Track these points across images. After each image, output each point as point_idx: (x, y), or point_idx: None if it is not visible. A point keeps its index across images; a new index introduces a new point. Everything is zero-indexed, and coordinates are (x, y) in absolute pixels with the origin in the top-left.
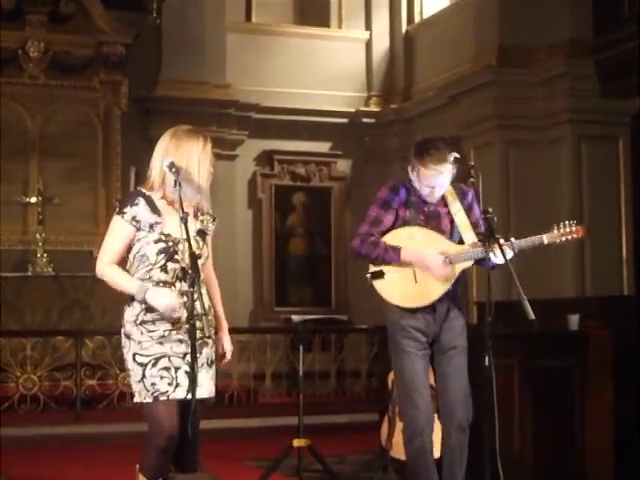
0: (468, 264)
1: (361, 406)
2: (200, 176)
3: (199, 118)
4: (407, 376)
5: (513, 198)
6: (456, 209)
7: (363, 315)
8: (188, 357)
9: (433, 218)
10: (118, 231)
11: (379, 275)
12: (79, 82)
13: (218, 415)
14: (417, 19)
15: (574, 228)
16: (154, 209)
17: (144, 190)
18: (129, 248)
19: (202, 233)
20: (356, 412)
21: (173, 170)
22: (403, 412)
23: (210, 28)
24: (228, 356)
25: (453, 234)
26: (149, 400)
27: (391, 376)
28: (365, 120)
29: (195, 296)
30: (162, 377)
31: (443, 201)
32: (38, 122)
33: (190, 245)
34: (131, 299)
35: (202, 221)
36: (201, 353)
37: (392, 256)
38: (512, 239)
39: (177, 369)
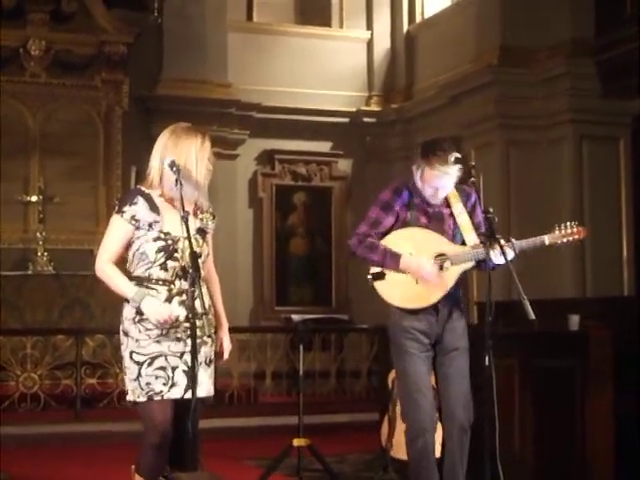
0: (469, 265)
1: (361, 406)
2: (198, 173)
3: (200, 117)
4: (410, 378)
5: (514, 198)
6: (459, 211)
7: (363, 315)
8: (186, 356)
9: (436, 220)
10: (117, 230)
11: (380, 276)
12: (80, 81)
13: (218, 414)
14: (418, 19)
15: (575, 229)
16: (153, 207)
17: (143, 188)
18: (128, 246)
19: (202, 231)
20: (356, 412)
21: (174, 169)
22: (406, 413)
23: (211, 27)
24: (226, 355)
25: (456, 236)
26: (143, 399)
27: (391, 376)
28: (366, 120)
29: (195, 294)
30: (157, 377)
31: (446, 203)
32: (39, 121)
33: (191, 244)
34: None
35: (202, 219)
36: (200, 352)
37: (391, 264)
38: (513, 240)
39: (174, 368)
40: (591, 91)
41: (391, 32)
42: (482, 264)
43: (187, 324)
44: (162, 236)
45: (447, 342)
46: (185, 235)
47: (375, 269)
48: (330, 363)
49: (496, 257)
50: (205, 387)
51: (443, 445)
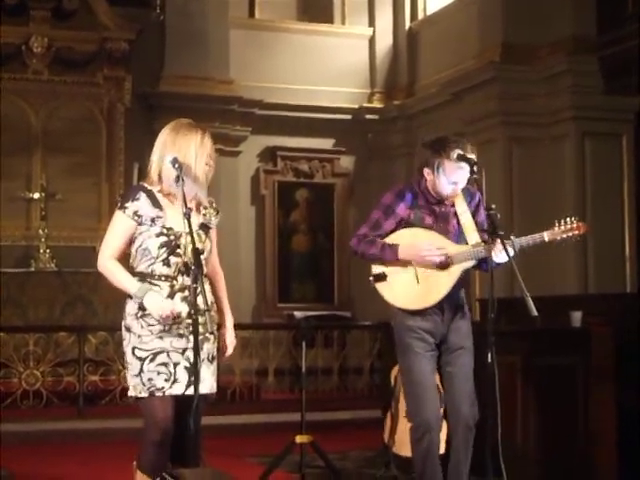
0: (469, 264)
1: (364, 402)
2: (197, 170)
3: (202, 114)
4: (415, 377)
5: (516, 195)
6: (462, 210)
7: (366, 311)
8: (188, 352)
9: (442, 219)
10: (120, 226)
11: (381, 277)
12: (82, 78)
13: (220, 411)
14: (420, 15)
15: (575, 225)
16: (155, 203)
17: (145, 184)
18: (131, 242)
19: (205, 227)
20: (359, 408)
21: (176, 166)
22: (411, 412)
23: (213, 24)
24: (230, 350)
25: (460, 235)
26: (144, 395)
27: (394, 372)
28: (368, 116)
29: (198, 291)
30: (159, 373)
31: (451, 202)
32: (41, 118)
33: (193, 240)
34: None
35: (205, 215)
36: (202, 349)
37: (389, 254)
38: (512, 237)
39: (176, 365)
40: (593, 88)
41: (393, 29)
42: (483, 264)
43: (189, 320)
44: (165, 232)
45: (452, 341)
46: (187, 231)
47: (376, 270)
48: (332, 360)
49: (497, 256)
50: (207, 384)
51: (447, 442)
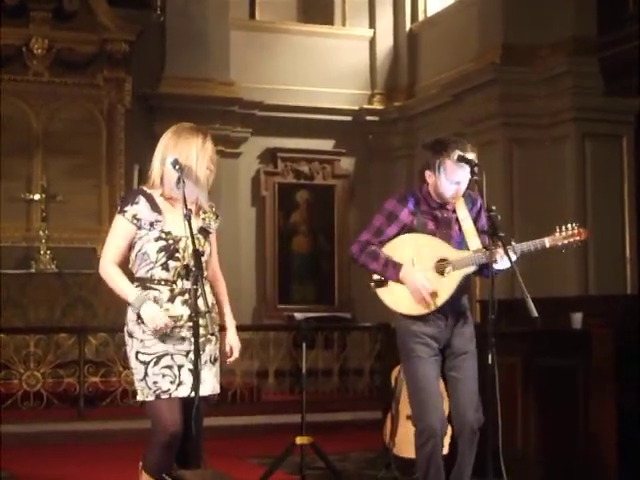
0: (470, 269)
1: (364, 404)
2: (198, 173)
3: (203, 115)
4: (420, 382)
5: (517, 196)
6: (464, 216)
7: (366, 313)
8: (191, 354)
9: (444, 225)
10: (119, 230)
11: (382, 283)
12: (83, 79)
13: (221, 412)
14: (421, 17)
15: (576, 230)
16: (154, 207)
17: (145, 188)
18: (131, 247)
19: (204, 231)
20: (359, 410)
21: (177, 167)
22: (416, 417)
23: (214, 25)
24: (236, 353)
25: (462, 241)
26: (151, 398)
27: (394, 373)
28: (369, 118)
29: (198, 293)
30: (164, 375)
31: (453, 208)
32: (42, 119)
33: (193, 242)
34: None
35: (204, 219)
36: (204, 350)
37: (391, 273)
38: (513, 243)
39: (180, 367)
40: (593, 89)
41: (394, 30)
42: (485, 270)
43: (191, 323)
44: (163, 236)
45: (456, 346)
46: (187, 234)
47: (377, 276)
48: (333, 361)
49: (498, 262)
50: (210, 385)
51: (451, 444)
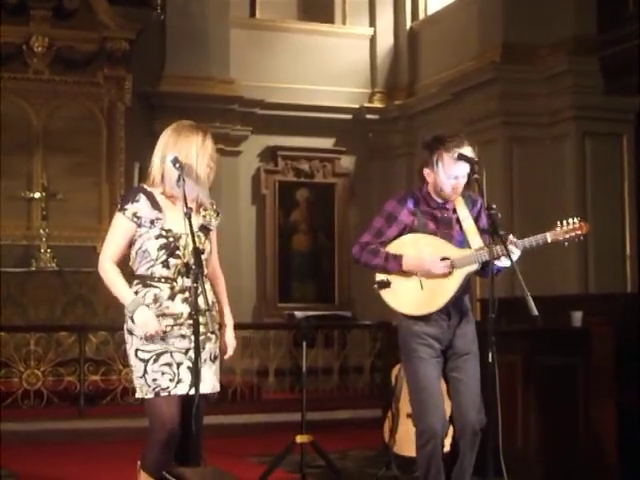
0: (473, 268)
1: (364, 402)
2: (198, 170)
3: (203, 114)
4: (421, 383)
5: (517, 195)
6: (464, 215)
7: (366, 311)
8: (191, 352)
9: (444, 225)
10: (119, 227)
11: (385, 284)
12: (83, 77)
13: (221, 411)
14: (421, 16)
15: (577, 225)
16: (155, 205)
17: (145, 186)
18: (131, 244)
19: (205, 229)
20: (359, 408)
21: (177, 166)
22: (417, 418)
23: (214, 24)
24: (230, 351)
25: (463, 241)
26: (150, 396)
27: (394, 372)
28: (369, 116)
29: (198, 291)
30: (163, 373)
31: (454, 208)
32: (42, 117)
33: (194, 240)
34: (134, 294)
35: (205, 216)
36: (204, 348)
37: (393, 265)
38: (514, 239)
39: (179, 365)
40: (594, 88)
41: (394, 29)
42: (486, 269)
43: (191, 321)
44: (164, 233)
45: (458, 347)
46: (187, 232)
47: (380, 277)
48: (333, 360)
49: (500, 260)
50: (210, 383)
51: (452, 444)
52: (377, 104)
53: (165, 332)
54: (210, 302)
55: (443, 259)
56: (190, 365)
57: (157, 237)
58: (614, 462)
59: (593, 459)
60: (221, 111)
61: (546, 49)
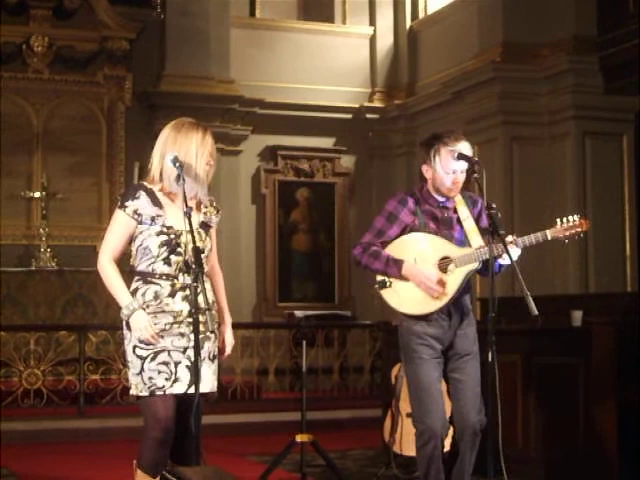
0: (473, 266)
1: (364, 402)
2: (198, 168)
3: (203, 113)
4: (422, 384)
5: (517, 194)
6: (465, 215)
7: (366, 311)
8: (189, 351)
9: (445, 225)
10: (120, 224)
11: (386, 284)
12: (83, 77)
13: (221, 410)
14: (421, 15)
15: (577, 222)
16: (156, 202)
17: (146, 183)
18: (131, 241)
19: (205, 226)
20: (359, 408)
21: (177, 165)
22: (417, 418)
23: (214, 23)
24: (228, 350)
25: (464, 241)
26: (145, 394)
27: (394, 371)
28: (369, 116)
29: (198, 290)
30: (160, 372)
31: (454, 208)
32: (42, 117)
33: (194, 238)
34: (133, 291)
35: (206, 213)
36: (203, 347)
37: (393, 270)
38: (515, 237)
39: (177, 364)
40: (594, 87)
41: (394, 28)
42: (486, 269)
43: (190, 319)
44: (165, 230)
45: (459, 347)
46: (188, 229)
47: (381, 277)
48: (333, 359)
49: (502, 258)
50: (208, 383)
51: (452, 444)
52: (377, 103)
53: (163, 332)
54: (210, 301)
55: (443, 259)
56: (188, 364)
57: (158, 234)
58: (614, 462)
59: (593, 459)
60: (221, 110)
61: (546, 48)
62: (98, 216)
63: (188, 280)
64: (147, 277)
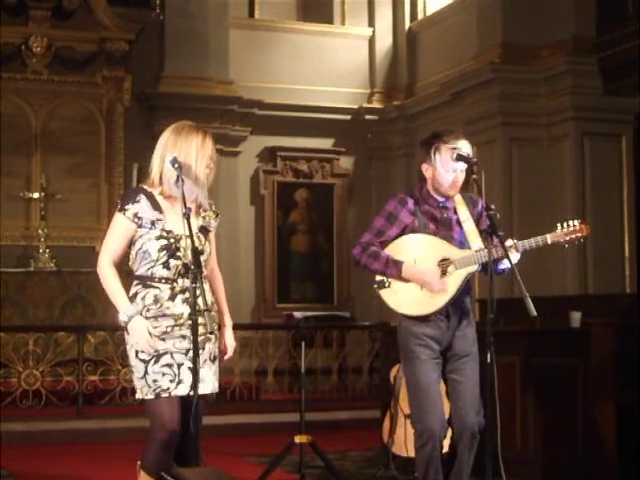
0: (473, 269)
1: (363, 403)
2: (198, 171)
3: (202, 114)
4: (421, 384)
5: (516, 195)
6: (465, 216)
7: (365, 312)
8: (191, 353)
9: (444, 226)
10: (119, 228)
11: (385, 285)
12: (82, 78)
13: (220, 411)
14: (420, 16)
15: (578, 227)
16: (155, 206)
17: (145, 187)
18: (130, 244)
19: (204, 229)
20: (358, 409)
21: (176, 166)
22: (416, 419)
23: (213, 24)
24: (230, 352)
25: (464, 242)
26: (151, 396)
27: (393, 372)
28: (368, 117)
29: (198, 292)
30: (164, 374)
31: (454, 209)
32: (41, 118)
33: (192, 240)
34: (133, 295)
35: (205, 217)
36: (204, 349)
37: (393, 271)
38: (515, 241)
39: (180, 365)
40: (593, 89)
41: (393, 29)
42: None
43: (190, 321)
44: (165, 234)
45: (458, 348)
46: (187, 233)
47: (380, 277)
48: (332, 360)
49: (502, 262)
50: (209, 384)
51: (451, 445)
52: (376, 104)
53: (164, 335)
54: (209, 303)
55: (443, 260)
56: (190, 366)
57: (158, 238)
58: (613, 463)
59: (592, 460)
60: (220, 111)
61: (545, 49)
62: (97, 217)
63: (187, 283)
64: (146, 281)
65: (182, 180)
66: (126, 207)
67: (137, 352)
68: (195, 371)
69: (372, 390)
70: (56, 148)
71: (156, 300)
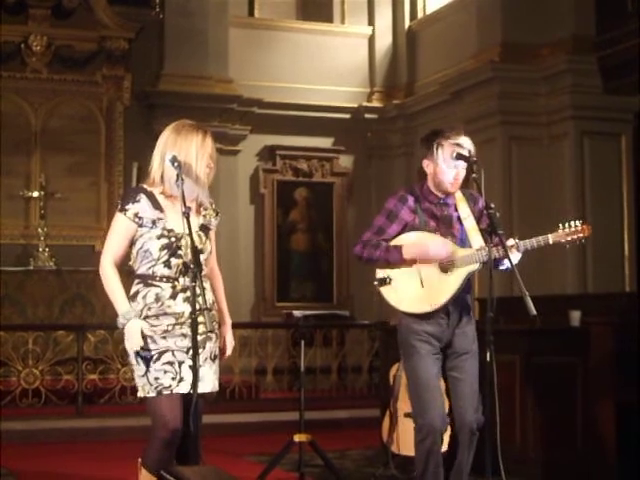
0: (474, 267)
1: (362, 401)
2: (198, 170)
3: (202, 113)
4: (420, 379)
5: (516, 194)
6: (466, 214)
7: (365, 310)
8: (192, 351)
9: (445, 223)
10: (120, 228)
11: (386, 282)
12: (82, 77)
13: (219, 410)
14: (420, 15)
15: (579, 227)
16: (156, 205)
17: (145, 186)
18: (131, 244)
19: (205, 228)
20: (357, 407)
21: (175, 164)
22: (416, 413)
23: (213, 23)
24: (229, 351)
25: (464, 239)
26: (152, 394)
27: (393, 371)
28: (368, 116)
29: (198, 291)
30: (166, 372)
31: (454, 206)
32: (40, 116)
33: (192, 239)
34: (134, 294)
35: (205, 216)
36: (204, 348)
37: (395, 255)
38: (517, 240)
39: (181, 363)
40: (592, 87)
41: (393, 28)
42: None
43: (191, 320)
44: (166, 233)
45: (458, 346)
46: (187, 231)
47: (381, 274)
48: (331, 359)
49: (502, 263)
50: (210, 383)
51: (450, 443)
52: (376, 103)
53: (166, 334)
54: (210, 301)
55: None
56: (191, 364)
57: (159, 237)
58: (613, 462)
59: (592, 459)
60: (220, 110)
61: (545, 48)
62: (96, 216)
63: (188, 282)
64: (147, 280)
65: (182, 179)
66: (126, 207)
67: (137, 351)
68: (195, 370)
69: (371, 389)
70: (56, 147)
71: (157, 299)
